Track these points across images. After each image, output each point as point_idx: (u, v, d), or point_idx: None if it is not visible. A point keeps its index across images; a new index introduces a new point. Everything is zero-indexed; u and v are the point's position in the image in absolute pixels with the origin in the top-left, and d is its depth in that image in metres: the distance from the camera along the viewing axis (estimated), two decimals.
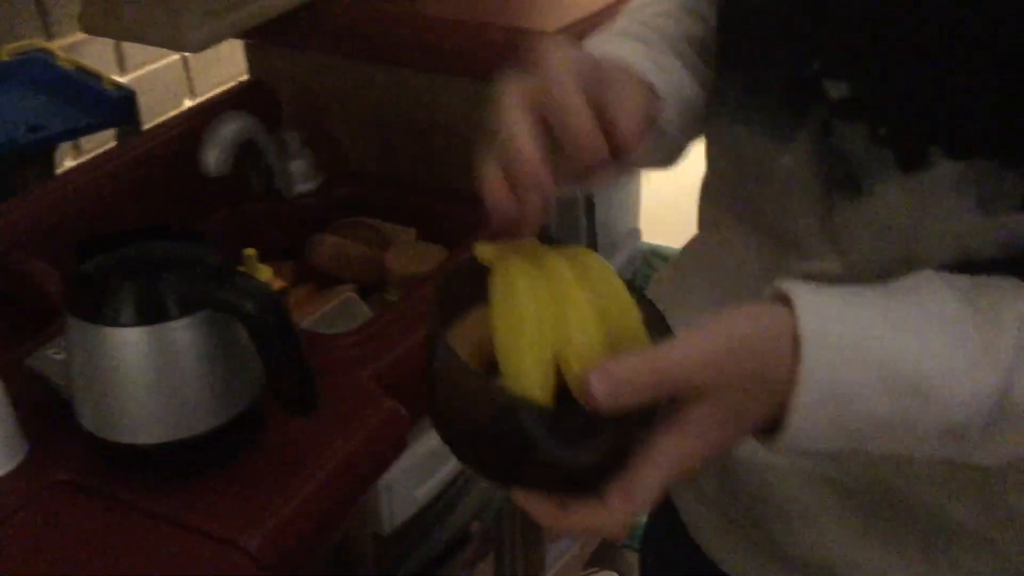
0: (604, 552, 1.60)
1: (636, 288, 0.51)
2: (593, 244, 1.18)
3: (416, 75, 1.10)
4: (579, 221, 1.15)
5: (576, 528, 0.48)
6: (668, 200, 2.30)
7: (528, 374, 0.46)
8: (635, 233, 1.38)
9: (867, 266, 0.55)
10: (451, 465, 1.01)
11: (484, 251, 0.51)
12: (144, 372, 0.70)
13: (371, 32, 1.09)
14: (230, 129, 0.97)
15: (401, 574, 1.02)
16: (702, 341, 0.46)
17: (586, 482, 0.47)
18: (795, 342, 0.47)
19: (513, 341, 0.47)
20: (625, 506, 0.46)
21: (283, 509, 0.72)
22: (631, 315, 0.49)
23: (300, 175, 1.12)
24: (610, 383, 0.44)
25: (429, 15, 1.07)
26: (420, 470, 0.96)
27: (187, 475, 0.74)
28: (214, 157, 0.96)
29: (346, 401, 0.81)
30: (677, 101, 0.62)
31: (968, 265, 0.52)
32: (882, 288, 0.50)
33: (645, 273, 2.33)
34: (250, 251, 0.85)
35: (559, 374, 0.46)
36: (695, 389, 0.46)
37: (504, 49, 1.03)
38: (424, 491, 0.98)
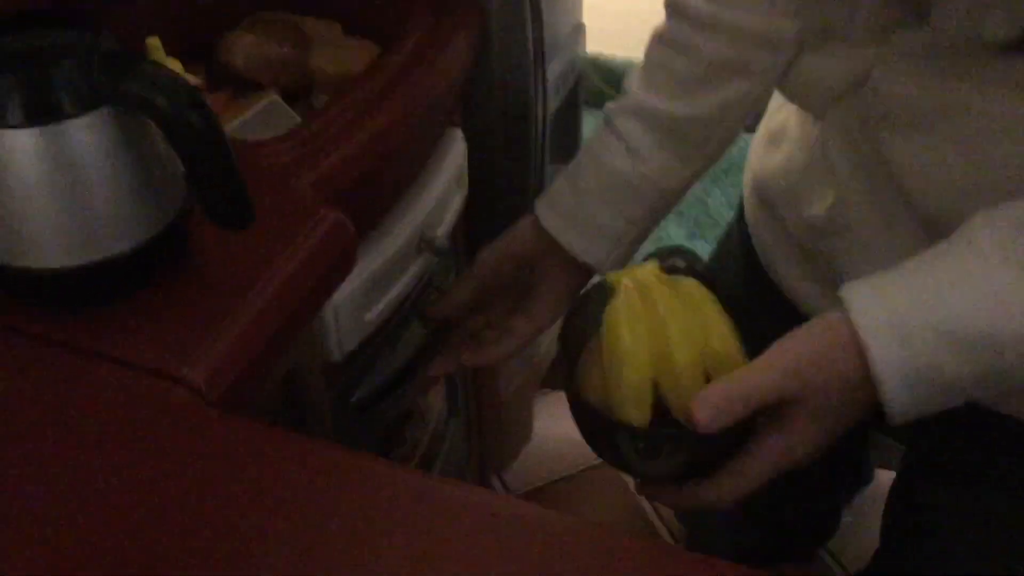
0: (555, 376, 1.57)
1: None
2: (539, 40, 1.07)
3: None
4: (524, 16, 1.03)
5: (687, 502, 0.61)
6: (611, 6, 2.18)
7: (625, 402, 0.60)
8: (580, 29, 1.27)
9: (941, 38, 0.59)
10: (401, 284, 0.93)
11: (610, 277, 0.64)
12: (40, 182, 0.59)
13: None
14: None
15: (354, 401, 0.95)
16: (778, 359, 0.56)
17: (694, 473, 0.60)
18: (859, 344, 0.54)
19: (615, 371, 0.60)
20: (734, 491, 0.58)
21: (226, 336, 0.62)
22: (728, 340, 0.61)
23: None
24: (709, 410, 0.55)
25: None
26: (368, 292, 0.87)
27: (107, 303, 0.64)
28: None
29: (283, 215, 0.71)
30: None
31: None
32: (933, 251, 0.55)
33: (588, 88, 2.22)
34: (153, 40, 0.72)
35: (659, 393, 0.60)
36: (785, 399, 0.56)
37: None
38: (374, 314, 0.89)
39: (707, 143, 0.80)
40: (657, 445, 0.60)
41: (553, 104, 1.20)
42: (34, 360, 0.61)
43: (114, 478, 0.55)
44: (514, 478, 1.52)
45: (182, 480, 0.55)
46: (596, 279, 0.75)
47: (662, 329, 0.60)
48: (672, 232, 1.94)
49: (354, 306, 0.85)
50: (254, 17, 0.97)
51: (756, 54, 0.74)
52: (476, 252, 0.87)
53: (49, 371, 0.61)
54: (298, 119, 0.90)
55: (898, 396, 0.54)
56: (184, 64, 0.89)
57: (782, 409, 0.57)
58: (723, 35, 0.75)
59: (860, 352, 0.54)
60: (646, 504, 1.53)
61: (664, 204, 0.82)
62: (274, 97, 0.89)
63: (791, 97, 0.76)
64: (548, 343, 1.46)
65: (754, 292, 0.87)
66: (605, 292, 0.63)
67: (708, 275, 0.66)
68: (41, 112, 0.57)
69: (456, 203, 1.02)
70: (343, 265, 0.73)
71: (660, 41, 0.80)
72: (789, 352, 0.56)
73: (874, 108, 0.65)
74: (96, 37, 0.58)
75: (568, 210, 0.81)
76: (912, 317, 0.53)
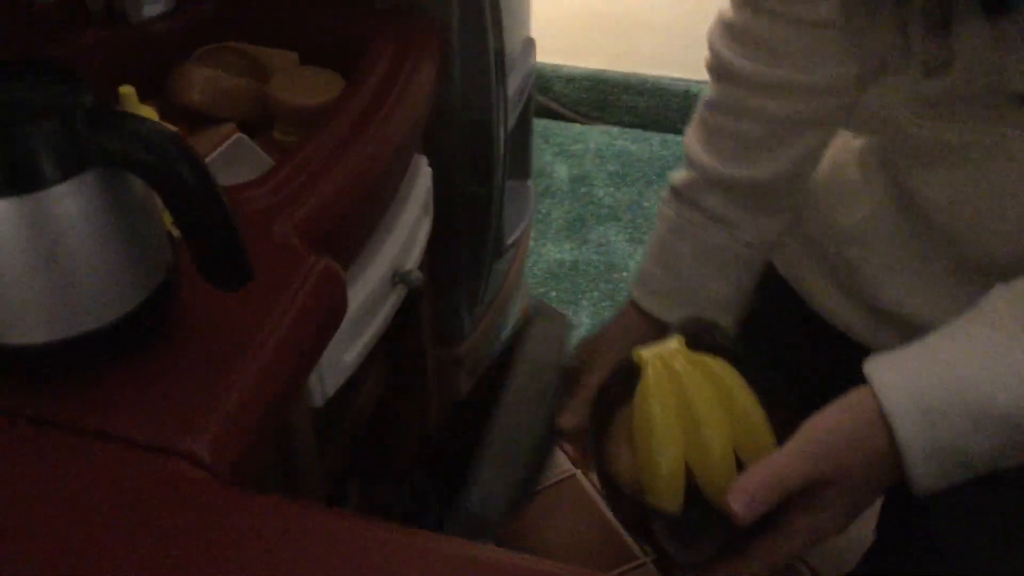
0: None
1: (768, 380, 0.64)
2: (501, 54, 1.04)
3: None
4: (486, 33, 1.01)
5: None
6: (558, 15, 2.17)
7: (660, 490, 0.61)
8: (531, 43, 1.25)
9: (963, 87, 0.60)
10: (377, 322, 0.89)
11: (639, 355, 0.65)
12: (21, 255, 0.54)
13: None
14: None
15: (338, 439, 0.91)
16: (810, 444, 0.58)
17: (727, 551, 0.61)
18: (885, 420, 0.56)
19: (648, 457, 0.61)
20: (765, 567, 0.60)
21: (227, 402, 0.58)
22: (756, 419, 0.62)
23: None
24: (746, 501, 0.57)
25: None
26: (345, 333, 0.84)
27: (95, 375, 0.59)
28: None
29: (271, 265, 0.67)
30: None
31: None
32: (954, 326, 0.57)
33: (544, 90, 2.20)
34: (126, 89, 0.68)
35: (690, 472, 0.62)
36: (817, 481, 0.58)
37: None
38: (352, 355, 0.86)
39: (793, 193, 0.79)
40: (693, 530, 0.62)
41: (512, 122, 1.18)
42: (23, 441, 0.57)
43: (126, 569, 0.51)
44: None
45: (202, 566, 0.51)
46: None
47: (691, 410, 0.62)
48: (612, 237, 1.94)
49: (334, 350, 0.82)
50: (206, 49, 0.93)
51: (823, 102, 0.73)
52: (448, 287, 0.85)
53: (40, 453, 0.56)
54: (265, 156, 0.85)
55: (923, 471, 0.56)
56: None
57: (814, 489, 0.58)
58: (784, 93, 0.73)
59: (886, 429, 0.56)
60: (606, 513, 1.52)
61: (765, 257, 0.83)
62: (239, 134, 0.84)
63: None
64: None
65: (790, 315, 0.87)
66: (633, 369, 0.64)
67: (733, 349, 0.66)
68: (20, 180, 0.52)
69: (424, 231, 1.00)
70: (337, 313, 0.70)
71: (715, 108, 0.78)
72: (819, 434, 0.58)
73: (898, 144, 0.65)
74: (78, 91, 0.54)
75: (672, 290, 0.80)
76: (936, 395, 0.55)
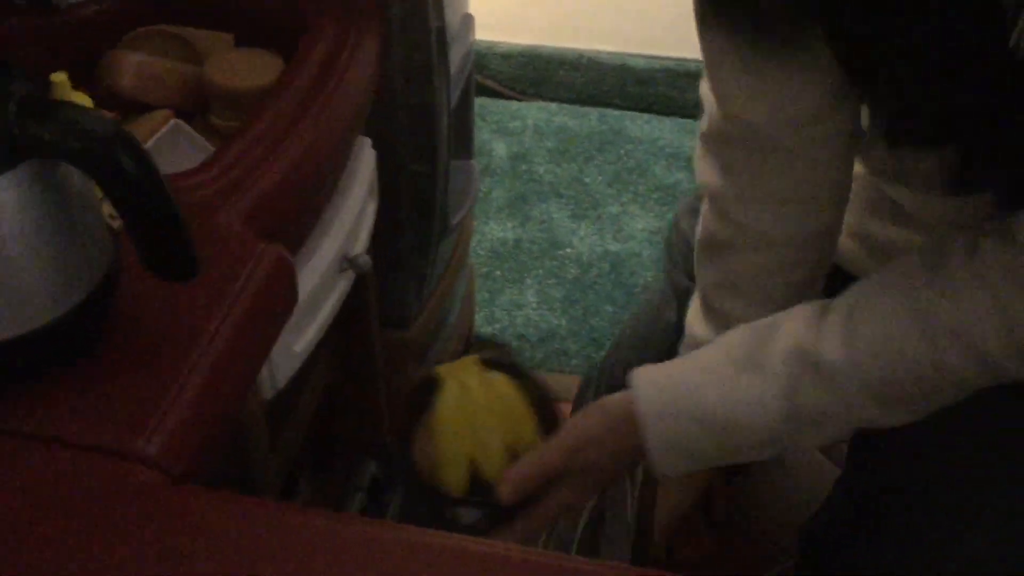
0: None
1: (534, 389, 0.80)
2: (442, 30, 1.03)
3: None
4: (427, 9, 0.99)
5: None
6: None
7: (447, 475, 0.77)
8: (469, 19, 1.23)
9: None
10: (327, 309, 0.87)
11: (438, 371, 0.80)
12: None
13: None
14: None
15: (287, 432, 0.89)
16: (564, 441, 0.75)
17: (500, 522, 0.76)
18: (635, 420, 0.72)
19: (441, 451, 0.77)
20: (526, 531, 0.77)
21: (177, 401, 0.56)
22: (527, 424, 0.78)
23: None
24: (510, 487, 0.74)
25: None
26: (295, 322, 0.82)
27: (37, 378, 0.57)
28: None
29: (219, 255, 0.65)
30: None
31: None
32: (705, 349, 0.74)
33: (480, 67, 2.17)
34: (59, 76, 0.65)
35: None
36: (568, 470, 0.75)
37: None
38: (303, 344, 0.84)
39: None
40: (478, 511, 0.77)
41: (454, 101, 1.16)
42: None
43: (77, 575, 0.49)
44: None
45: (156, 567, 0.49)
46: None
47: (478, 417, 0.77)
48: (554, 214, 1.93)
49: (284, 339, 0.80)
50: (137, 32, 0.89)
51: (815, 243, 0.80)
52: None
53: None
54: (204, 142, 0.83)
55: (661, 456, 0.72)
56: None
57: (566, 474, 0.75)
58: (768, 248, 0.80)
59: (635, 428, 0.72)
60: None
61: None
62: (175, 120, 0.81)
63: None
64: (448, 341, 1.43)
65: None
66: (434, 384, 0.79)
67: (516, 366, 0.81)
68: None
69: (370, 216, 0.98)
70: (288, 302, 0.68)
71: (719, 287, 0.84)
72: (575, 433, 0.75)
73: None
74: (7, 80, 0.51)
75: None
76: (674, 406, 0.71)
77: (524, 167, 2.06)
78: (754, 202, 0.78)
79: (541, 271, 1.81)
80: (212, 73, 0.87)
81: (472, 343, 1.60)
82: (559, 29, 2.23)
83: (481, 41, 2.20)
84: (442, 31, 1.03)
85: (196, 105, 0.90)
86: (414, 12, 0.99)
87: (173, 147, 0.81)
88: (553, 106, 2.23)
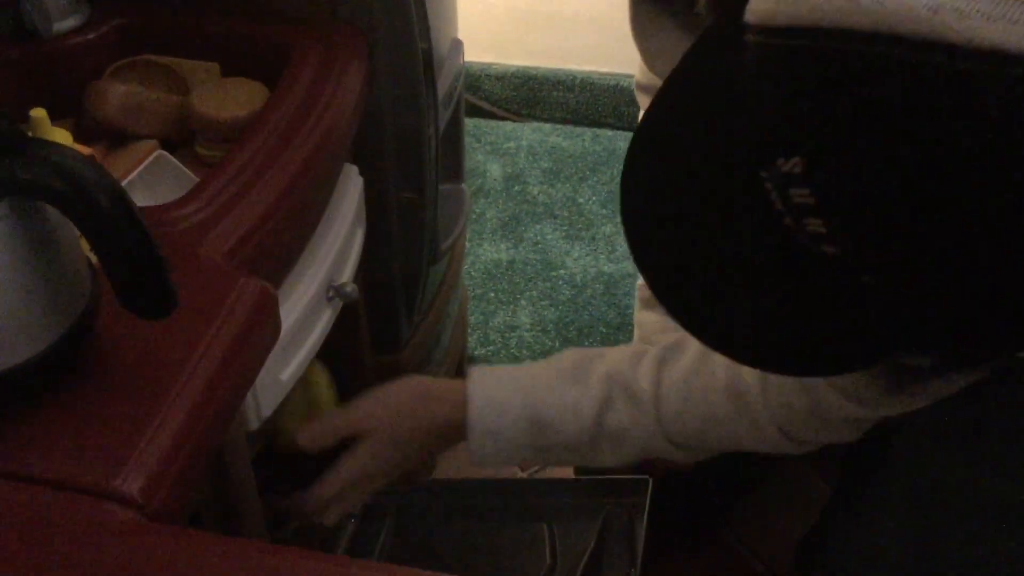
0: None
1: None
2: (429, 55, 1.03)
3: None
4: (413, 34, 0.99)
5: (296, 505, 0.85)
6: (484, 13, 2.15)
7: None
8: (458, 45, 1.23)
9: None
10: (313, 337, 0.87)
11: None
12: None
13: None
14: None
15: (272, 464, 0.89)
16: (373, 397, 0.84)
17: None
18: (465, 399, 0.80)
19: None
20: (320, 496, 0.83)
21: (156, 438, 0.56)
22: (328, 401, 0.93)
23: (58, 8, 0.88)
24: (310, 433, 0.83)
25: None
26: (281, 351, 0.81)
27: (11, 419, 0.56)
28: None
29: (199, 289, 0.65)
30: None
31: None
32: (539, 363, 0.82)
33: (473, 89, 2.17)
34: (38, 112, 0.65)
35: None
36: (370, 429, 0.82)
37: None
38: (288, 372, 0.84)
39: None
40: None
41: (443, 125, 1.16)
42: None
43: None
44: None
45: None
46: None
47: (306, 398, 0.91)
48: (548, 235, 1.93)
49: (269, 369, 0.80)
50: (122, 63, 0.89)
51: None
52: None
53: None
54: (189, 173, 0.83)
55: (478, 444, 0.80)
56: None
57: (364, 435, 0.82)
58: None
59: (459, 407, 0.80)
60: None
61: None
62: (160, 151, 0.81)
63: None
64: (442, 363, 1.43)
65: None
66: None
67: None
68: None
69: (358, 242, 0.97)
70: (271, 335, 0.68)
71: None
72: (384, 394, 0.84)
73: None
74: None
75: None
76: (501, 394, 0.79)
77: (518, 188, 2.06)
78: None
79: (535, 292, 1.81)
80: (197, 103, 0.87)
81: (465, 365, 1.60)
82: (552, 50, 2.24)
83: (474, 63, 2.21)
84: (429, 57, 1.03)
85: (182, 135, 0.90)
86: (400, 39, 0.99)
87: (157, 178, 0.81)
88: (547, 126, 2.24)
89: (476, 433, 0.79)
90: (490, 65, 2.24)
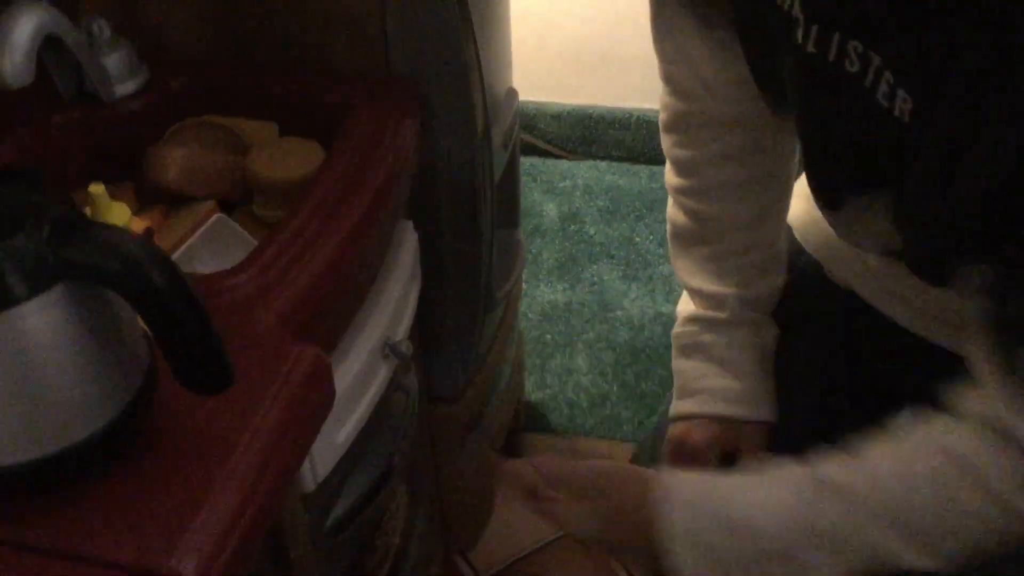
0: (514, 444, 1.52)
1: None
2: (483, 108, 1.03)
3: None
4: (470, 88, 0.99)
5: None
6: (540, 52, 2.16)
7: None
8: (513, 94, 1.23)
9: None
10: (369, 397, 0.87)
11: None
12: None
13: None
14: (26, 27, 0.74)
15: (329, 524, 0.88)
16: (602, 468, 0.73)
17: None
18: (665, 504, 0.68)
19: None
20: (555, 468, 0.72)
21: (213, 515, 0.56)
22: None
23: (119, 72, 0.89)
24: (532, 465, 0.72)
25: None
26: (337, 412, 0.81)
27: (68, 495, 0.56)
28: (11, 64, 0.73)
29: (254, 358, 0.65)
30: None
31: None
32: (751, 477, 0.70)
33: (529, 128, 2.18)
34: (96, 187, 0.66)
35: None
36: (586, 490, 0.71)
37: None
38: (344, 434, 0.83)
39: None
40: None
41: (498, 174, 1.16)
42: (1, 566, 0.54)
43: None
44: (480, 558, 1.47)
45: None
46: None
47: None
48: (605, 276, 1.92)
49: (325, 431, 0.79)
50: (181, 124, 0.91)
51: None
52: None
53: None
54: (247, 236, 0.83)
55: (682, 553, 0.67)
56: (108, 185, 0.81)
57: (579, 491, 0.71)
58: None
59: (659, 516, 0.67)
60: (617, 566, 1.49)
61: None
62: (219, 214, 0.82)
63: None
64: (500, 408, 1.42)
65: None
66: None
67: None
68: None
69: (412, 300, 0.97)
70: (325, 404, 0.67)
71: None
72: (610, 473, 0.72)
73: None
74: (43, 200, 0.52)
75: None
76: (701, 501, 0.69)
77: (574, 227, 2.05)
78: (711, 88, 0.82)
79: (592, 334, 1.79)
80: (255, 164, 0.87)
81: (522, 410, 1.59)
82: (607, 89, 2.23)
83: (530, 102, 2.21)
84: (484, 108, 1.03)
85: (241, 195, 0.90)
86: (455, 91, 0.99)
87: (217, 241, 0.81)
88: (603, 164, 2.23)
89: (677, 543, 0.68)
90: (545, 104, 2.24)
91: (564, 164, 2.24)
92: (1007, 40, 0.51)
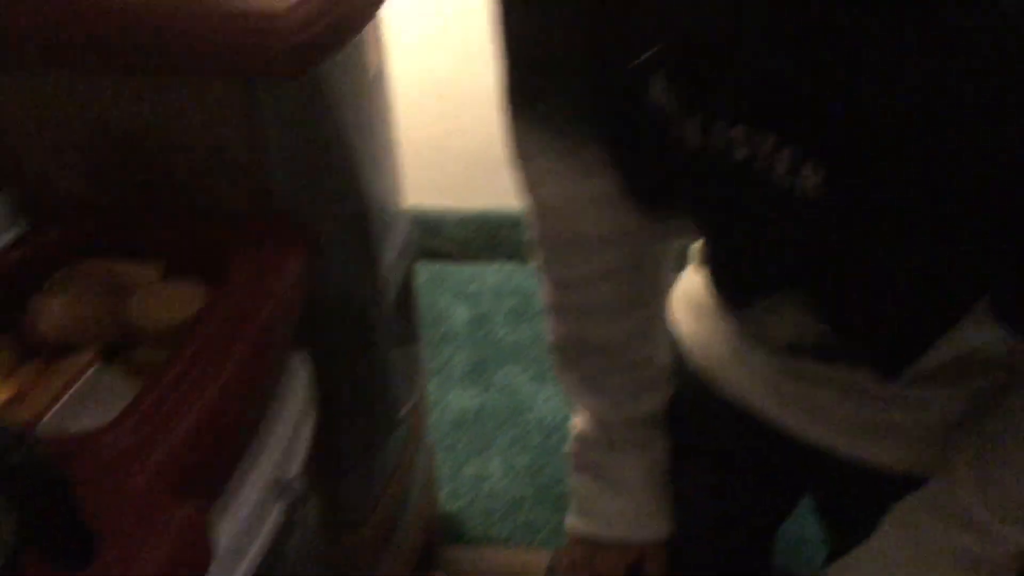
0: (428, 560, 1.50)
1: None
2: (372, 234, 1.04)
3: (123, 79, 0.89)
4: (357, 215, 1.01)
5: None
6: (440, 158, 2.19)
7: None
8: (405, 215, 1.25)
9: None
10: (260, 541, 0.86)
11: None
12: None
13: (52, 34, 0.87)
14: None
15: None
16: None
17: None
18: None
19: None
20: None
21: None
22: None
23: None
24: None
25: (125, 5, 0.87)
26: (223, 565, 0.80)
27: None
28: None
29: (124, 523, 0.64)
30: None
31: None
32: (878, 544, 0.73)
33: (435, 234, 2.20)
34: None
35: None
36: None
37: (223, 36, 0.85)
38: None
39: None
40: None
41: (392, 293, 1.17)
42: None
43: None
44: None
45: None
46: None
47: None
48: (517, 378, 1.93)
49: None
50: (64, 271, 0.90)
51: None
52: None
53: None
54: (126, 387, 0.82)
55: None
56: None
57: None
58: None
59: None
60: None
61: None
62: (96, 366, 0.81)
63: None
64: (412, 525, 1.40)
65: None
66: None
67: None
68: None
69: (307, 433, 0.97)
70: (200, 565, 0.66)
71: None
72: None
73: None
74: None
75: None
76: None
77: (484, 331, 2.07)
78: (581, 208, 0.80)
79: (505, 439, 1.79)
80: (136, 309, 0.87)
81: (436, 524, 1.57)
82: (509, 191, 2.27)
83: (435, 208, 2.25)
84: (372, 235, 1.05)
85: (124, 339, 0.90)
86: (342, 224, 1.00)
87: (94, 395, 0.80)
88: (510, 266, 2.26)
89: None
90: (450, 209, 2.28)
91: (471, 268, 2.27)
92: (933, 86, 0.47)
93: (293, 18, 0.85)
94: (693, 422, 0.91)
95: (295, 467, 0.92)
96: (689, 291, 0.93)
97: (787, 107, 0.52)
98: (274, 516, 0.88)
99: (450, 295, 2.17)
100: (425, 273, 2.21)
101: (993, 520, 0.64)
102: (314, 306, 1.01)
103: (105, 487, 0.66)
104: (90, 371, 0.80)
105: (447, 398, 1.88)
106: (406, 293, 1.31)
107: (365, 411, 1.14)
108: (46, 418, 0.75)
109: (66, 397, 0.77)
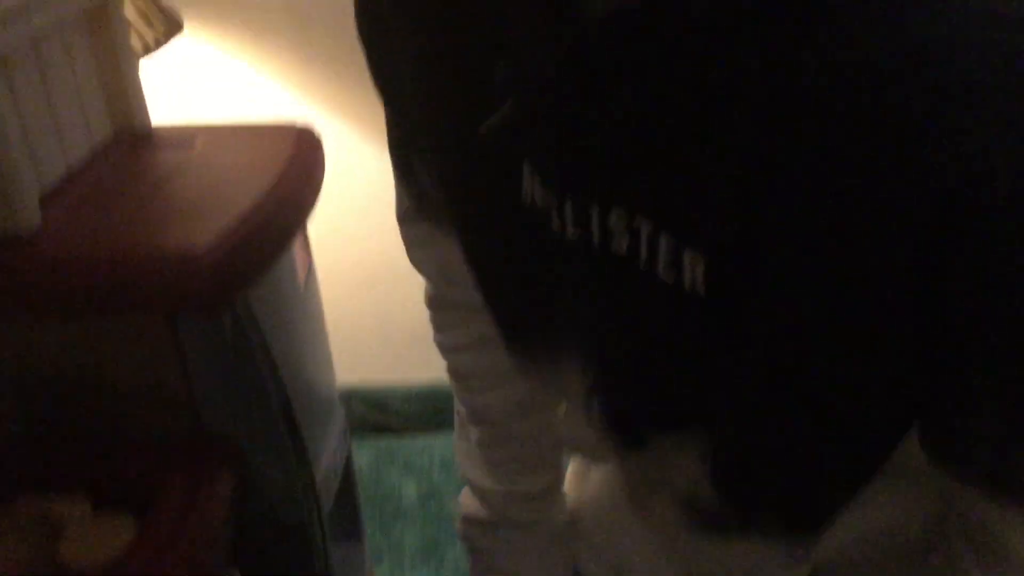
0: None
1: None
2: (302, 447, 1.07)
3: (53, 323, 0.94)
4: (287, 427, 1.04)
5: None
6: (385, 334, 2.22)
7: None
8: (339, 411, 1.28)
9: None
10: None
11: None
12: None
13: None
14: None
15: None
16: None
17: None
18: None
19: None
20: None
21: None
22: None
23: None
24: None
25: (55, 256, 0.92)
26: None
27: None
28: None
29: None
30: None
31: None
32: None
33: (382, 408, 2.22)
34: None
35: None
36: None
37: (151, 276, 0.90)
38: None
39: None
40: None
41: (332, 492, 1.19)
42: None
43: None
44: None
45: None
46: None
47: None
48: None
49: None
50: None
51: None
52: None
53: None
54: None
55: None
56: None
57: None
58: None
59: None
60: None
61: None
62: None
63: None
64: None
65: None
66: None
67: None
68: None
69: None
70: None
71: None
72: None
73: None
74: None
75: None
76: None
77: (435, 506, 2.07)
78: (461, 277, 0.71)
79: None
80: (65, 550, 0.89)
81: None
82: None
83: (380, 383, 2.27)
84: (304, 444, 1.08)
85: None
86: (270, 439, 1.03)
87: None
88: None
89: None
90: (396, 383, 2.31)
91: (420, 440, 2.28)
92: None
93: (211, 257, 0.90)
94: None
95: None
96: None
97: (662, 183, 0.43)
98: None
99: (399, 471, 2.18)
100: (372, 449, 2.22)
101: None
102: (247, 522, 1.03)
103: None
104: None
105: None
106: (347, 491, 1.33)
107: None
108: None
109: None
